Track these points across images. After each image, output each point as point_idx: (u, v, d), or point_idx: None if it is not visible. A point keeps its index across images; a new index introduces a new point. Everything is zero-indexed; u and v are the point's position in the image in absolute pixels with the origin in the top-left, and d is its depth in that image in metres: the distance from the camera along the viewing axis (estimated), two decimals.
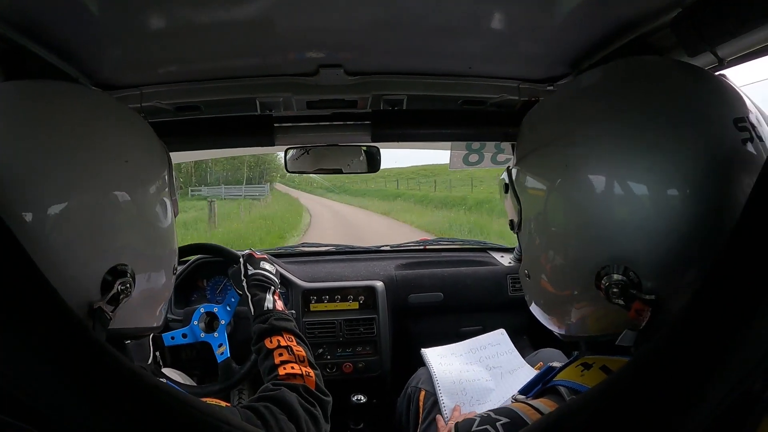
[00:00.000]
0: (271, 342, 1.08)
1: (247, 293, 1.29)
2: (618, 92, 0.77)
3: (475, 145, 1.87)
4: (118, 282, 0.76)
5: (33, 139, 0.72)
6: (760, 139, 0.70)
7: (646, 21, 1.04)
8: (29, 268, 0.56)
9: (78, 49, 1.12)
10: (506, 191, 0.92)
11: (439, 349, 1.67)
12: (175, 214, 0.96)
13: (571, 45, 1.21)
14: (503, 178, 0.94)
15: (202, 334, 1.63)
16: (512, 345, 1.66)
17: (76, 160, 0.74)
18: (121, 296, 0.77)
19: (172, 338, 1.62)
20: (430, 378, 1.56)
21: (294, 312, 2.00)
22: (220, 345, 1.62)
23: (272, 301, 1.24)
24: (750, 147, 0.68)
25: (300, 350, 1.07)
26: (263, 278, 1.34)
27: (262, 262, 1.42)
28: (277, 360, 1.03)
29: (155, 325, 0.95)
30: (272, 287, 1.31)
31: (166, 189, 0.90)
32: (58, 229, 0.71)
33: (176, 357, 1.84)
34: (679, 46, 0.98)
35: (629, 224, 0.70)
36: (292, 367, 1.02)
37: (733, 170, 0.67)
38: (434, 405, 1.47)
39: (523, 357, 1.65)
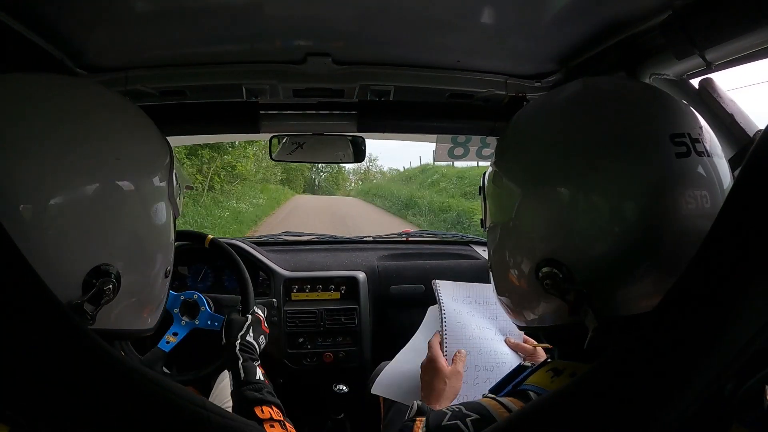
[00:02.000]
0: (263, 412, 1.03)
1: (238, 354, 1.24)
2: (568, 115, 0.82)
3: (461, 138, 1.87)
4: (99, 282, 0.73)
5: (22, 134, 0.69)
6: (703, 154, 0.73)
7: (636, 22, 1.05)
8: (16, 258, 0.55)
9: (63, 30, 1.10)
10: (479, 192, 0.98)
11: (453, 288, 1.57)
12: (176, 215, 0.93)
13: (560, 42, 1.22)
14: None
15: (184, 322, 1.60)
16: None
17: (63, 155, 0.71)
18: (103, 297, 0.73)
19: (168, 342, 1.55)
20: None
21: (275, 301, 2.00)
22: (174, 333, 1.56)
23: (261, 373, 1.19)
24: (687, 161, 0.71)
25: (292, 429, 1.03)
26: (254, 350, 1.30)
27: (261, 336, 1.38)
28: (268, 431, 1.01)
29: (145, 328, 0.91)
30: (258, 360, 1.27)
31: (164, 190, 0.86)
32: (42, 224, 0.69)
33: (186, 357, 1.79)
34: (668, 48, 1.00)
35: (568, 226, 0.75)
36: None
37: (667, 183, 0.71)
38: (393, 404, 1.47)
39: None
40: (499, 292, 0.94)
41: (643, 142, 0.73)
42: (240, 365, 1.19)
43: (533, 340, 1.40)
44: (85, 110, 0.77)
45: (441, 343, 1.36)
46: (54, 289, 0.59)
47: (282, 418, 1.03)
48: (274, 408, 1.05)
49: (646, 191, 0.71)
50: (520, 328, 0.94)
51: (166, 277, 0.92)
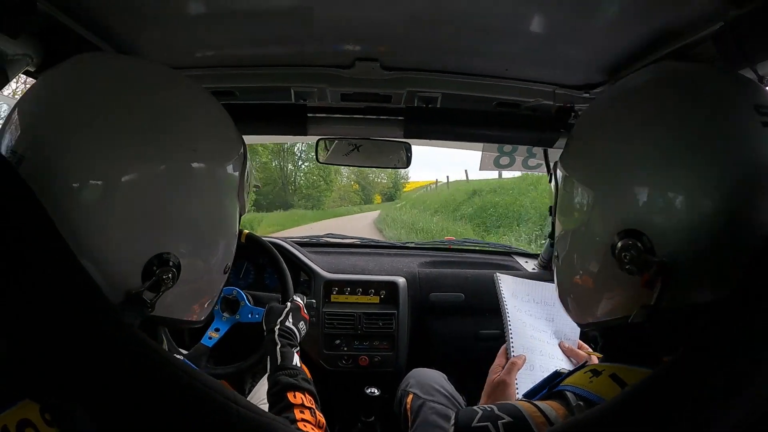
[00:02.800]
0: (295, 397, 1.04)
1: (277, 340, 1.25)
2: (650, 105, 0.79)
3: (507, 147, 1.86)
4: (159, 270, 0.74)
5: (103, 115, 0.71)
6: None
7: (687, 32, 1.02)
8: (62, 251, 0.58)
9: (117, 29, 1.14)
10: (550, 180, 0.99)
11: (513, 284, 1.51)
12: (242, 212, 0.94)
13: (610, 52, 1.19)
14: (551, 170, 1.00)
15: (225, 317, 1.64)
16: None
17: (141, 134, 0.72)
18: (162, 286, 0.75)
19: (210, 338, 1.59)
20: (420, 380, 1.54)
21: (315, 301, 2.02)
22: (216, 329, 1.60)
23: (298, 360, 1.21)
24: None
25: (321, 418, 1.04)
26: (294, 336, 1.32)
27: (301, 322, 1.39)
28: (297, 416, 0.99)
29: (196, 319, 0.92)
30: (298, 346, 1.29)
31: (234, 182, 0.87)
32: (112, 205, 0.70)
33: (230, 352, 1.83)
34: (719, 60, 0.97)
35: (649, 198, 0.74)
36: (312, 429, 0.99)
37: (757, 153, 0.70)
38: (420, 408, 1.46)
39: None
40: (561, 283, 0.94)
41: (729, 115, 0.72)
42: (278, 350, 1.21)
43: (588, 347, 1.36)
44: (169, 96, 0.79)
45: (507, 348, 1.31)
46: (114, 274, 0.62)
47: (313, 406, 1.04)
48: (306, 395, 1.06)
49: (736, 159, 0.70)
50: (581, 326, 0.93)
51: (225, 272, 0.93)
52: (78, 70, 0.78)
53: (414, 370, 1.65)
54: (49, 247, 0.57)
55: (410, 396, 1.52)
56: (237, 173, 0.88)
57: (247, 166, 0.93)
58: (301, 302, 1.46)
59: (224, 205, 0.86)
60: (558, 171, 0.93)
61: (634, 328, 0.74)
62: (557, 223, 0.93)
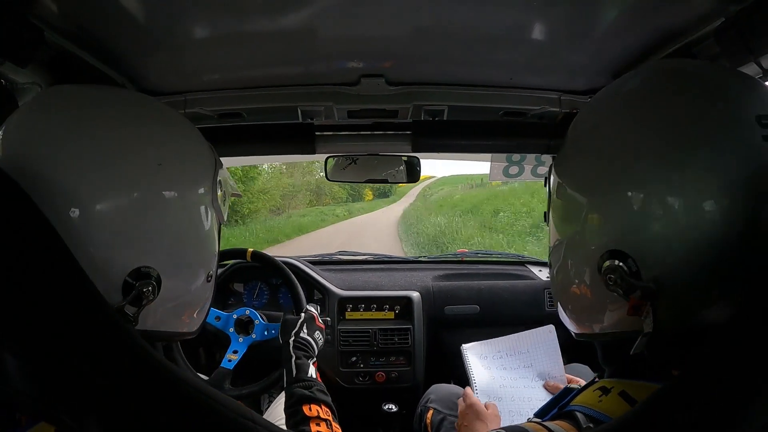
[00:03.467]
0: (310, 410, 1.04)
1: (292, 352, 1.26)
2: (635, 107, 0.77)
3: (516, 157, 1.85)
4: (138, 284, 0.75)
5: (70, 141, 0.73)
6: None
7: (689, 30, 1.02)
8: (68, 263, 0.58)
9: (124, 56, 1.16)
10: (545, 184, 0.97)
11: (480, 348, 1.61)
12: (221, 222, 0.95)
13: (613, 55, 1.19)
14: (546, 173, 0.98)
15: (241, 339, 1.64)
16: (557, 346, 1.59)
17: (110, 162, 0.74)
18: (144, 299, 0.76)
19: (230, 360, 1.61)
20: (440, 396, 1.55)
21: (329, 319, 2.02)
22: (235, 351, 1.62)
23: (314, 371, 1.21)
24: None
25: (338, 428, 1.03)
26: (310, 346, 1.32)
27: (317, 332, 1.40)
28: (313, 429, 1.00)
29: (187, 330, 0.94)
30: (314, 357, 1.30)
31: (206, 196, 0.89)
32: (86, 228, 0.71)
33: (251, 372, 1.83)
34: (723, 56, 0.96)
35: (637, 218, 0.70)
36: None
37: (757, 169, 0.65)
38: (441, 422, 1.46)
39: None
40: (557, 292, 0.93)
41: (727, 125, 0.68)
42: (293, 362, 1.22)
43: (580, 380, 1.39)
44: (130, 119, 0.81)
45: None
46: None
47: (329, 418, 1.03)
48: (323, 407, 1.06)
49: (732, 180, 0.65)
50: (577, 336, 0.91)
51: (208, 281, 0.94)
52: (47, 103, 0.80)
53: (434, 385, 1.65)
54: (56, 258, 0.58)
55: (431, 411, 1.52)
56: (209, 183, 0.89)
57: (221, 174, 0.94)
58: (315, 312, 1.47)
59: (198, 218, 0.87)
60: (552, 177, 0.92)
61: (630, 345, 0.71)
62: (551, 230, 0.92)
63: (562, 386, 1.30)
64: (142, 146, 0.79)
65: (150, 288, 0.76)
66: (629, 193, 0.71)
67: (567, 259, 0.84)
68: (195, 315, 0.94)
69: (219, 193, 0.93)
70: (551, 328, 1.62)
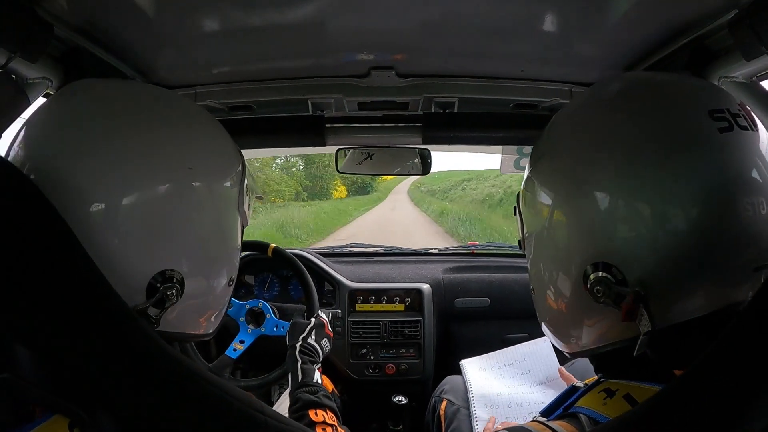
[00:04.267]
0: (316, 415, 1.05)
1: (297, 357, 1.27)
2: (603, 111, 0.80)
3: (527, 149, 1.84)
4: (163, 287, 0.75)
5: (102, 138, 0.73)
6: (747, 128, 0.70)
7: (702, 22, 1.01)
8: (82, 260, 0.59)
9: (134, 50, 1.17)
10: (514, 213, 0.96)
11: (479, 362, 1.65)
12: (244, 225, 0.95)
13: (625, 47, 1.17)
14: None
15: (250, 330, 1.66)
16: (554, 355, 1.62)
17: (139, 158, 0.74)
18: (167, 302, 0.75)
19: (235, 350, 1.63)
20: (454, 387, 1.55)
21: (340, 311, 2.02)
22: (241, 341, 1.63)
23: (319, 376, 1.22)
24: (731, 136, 0.68)
25: None
26: (315, 352, 1.33)
27: (324, 339, 1.40)
28: None
29: (204, 332, 0.93)
30: (318, 363, 1.30)
31: (234, 198, 0.88)
32: (113, 227, 0.71)
33: (253, 364, 1.85)
34: (736, 48, 0.94)
35: (614, 226, 0.72)
36: None
37: (714, 162, 0.68)
38: (455, 414, 1.46)
39: (561, 365, 1.61)
40: (542, 315, 0.93)
41: (683, 123, 0.70)
42: (298, 367, 1.23)
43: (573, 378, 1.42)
44: (164, 117, 0.81)
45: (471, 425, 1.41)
46: (119, 292, 0.63)
47: (335, 423, 1.04)
48: (328, 412, 1.07)
49: (694, 175, 0.67)
50: (570, 355, 0.90)
51: (230, 285, 0.93)
52: (76, 97, 0.80)
53: (449, 377, 1.65)
54: (70, 255, 0.59)
55: (444, 402, 1.52)
56: (236, 188, 0.89)
57: (246, 179, 0.94)
58: (326, 319, 1.47)
59: (225, 220, 0.87)
60: (521, 195, 0.91)
61: (629, 350, 0.71)
62: (527, 252, 0.91)
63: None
64: (174, 144, 0.78)
65: (174, 291, 0.76)
66: (603, 202, 0.72)
67: (548, 279, 0.84)
68: (213, 318, 0.94)
69: (245, 197, 0.93)
70: (546, 340, 1.64)
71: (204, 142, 0.85)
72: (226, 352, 1.60)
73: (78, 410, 0.57)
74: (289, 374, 1.23)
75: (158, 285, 0.75)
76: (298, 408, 1.09)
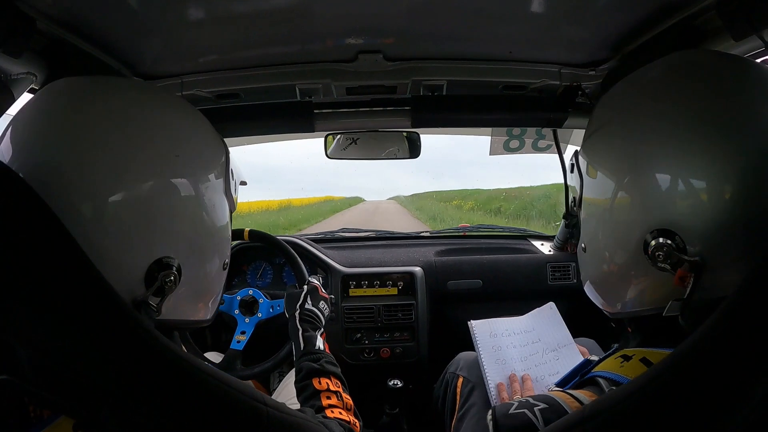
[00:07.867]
0: (320, 383, 1.06)
1: (298, 326, 1.27)
2: (677, 93, 0.79)
3: (516, 131, 1.85)
4: (161, 275, 0.76)
5: (86, 135, 0.72)
6: None
7: (688, 3, 1.00)
8: (79, 258, 0.58)
9: (118, 41, 1.15)
10: (572, 170, 0.99)
11: (489, 326, 1.60)
12: (232, 209, 0.96)
13: (613, 28, 1.17)
14: (571, 159, 0.99)
15: (247, 319, 1.66)
16: (561, 319, 1.60)
17: (125, 154, 0.73)
18: (166, 289, 0.77)
19: (238, 342, 1.63)
20: (468, 364, 1.55)
21: (333, 297, 2.03)
22: (243, 332, 1.63)
23: (322, 342, 1.22)
24: None
25: (348, 399, 1.05)
26: (316, 317, 1.32)
27: (321, 302, 1.40)
28: (324, 402, 1.01)
29: (202, 318, 0.94)
30: (321, 328, 1.30)
31: (220, 185, 0.89)
32: (104, 221, 0.71)
33: (261, 351, 1.84)
34: (725, 29, 0.94)
35: (680, 197, 0.73)
36: (340, 413, 1.00)
37: None
38: (471, 392, 1.46)
39: None
40: (590, 274, 0.94)
41: (751, 104, 0.72)
42: (300, 335, 1.23)
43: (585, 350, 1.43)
44: (144, 111, 0.80)
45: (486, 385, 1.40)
46: (118, 285, 0.62)
47: (339, 389, 1.05)
48: (332, 378, 1.08)
49: (761, 155, 0.69)
50: (611, 314, 0.93)
51: (224, 269, 0.95)
52: (60, 96, 0.79)
53: (462, 353, 1.64)
54: (67, 254, 0.58)
55: (461, 379, 1.52)
56: (222, 173, 0.90)
57: (231, 164, 0.95)
58: (318, 282, 1.47)
59: (213, 207, 0.87)
60: (581, 159, 0.93)
61: (664, 317, 0.74)
62: (583, 212, 0.93)
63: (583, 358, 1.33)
64: (157, 138, 0.78)
65: (172, 278, 0.77)
66: (665, 177, 0.74)
67: (602, 241, 0.86)
68: (210, 303, 0.95)
69: (231, 181, 0.94)
70: (551, 305, 1.64)
71: (188, 131, 0.85)
72: (232, 346, 1.60)
73: (82, 410, 0.58)
74: (293, 345, 1.23)
75: (156, 273, 0.76)
76: (302, 378, 1.09)
